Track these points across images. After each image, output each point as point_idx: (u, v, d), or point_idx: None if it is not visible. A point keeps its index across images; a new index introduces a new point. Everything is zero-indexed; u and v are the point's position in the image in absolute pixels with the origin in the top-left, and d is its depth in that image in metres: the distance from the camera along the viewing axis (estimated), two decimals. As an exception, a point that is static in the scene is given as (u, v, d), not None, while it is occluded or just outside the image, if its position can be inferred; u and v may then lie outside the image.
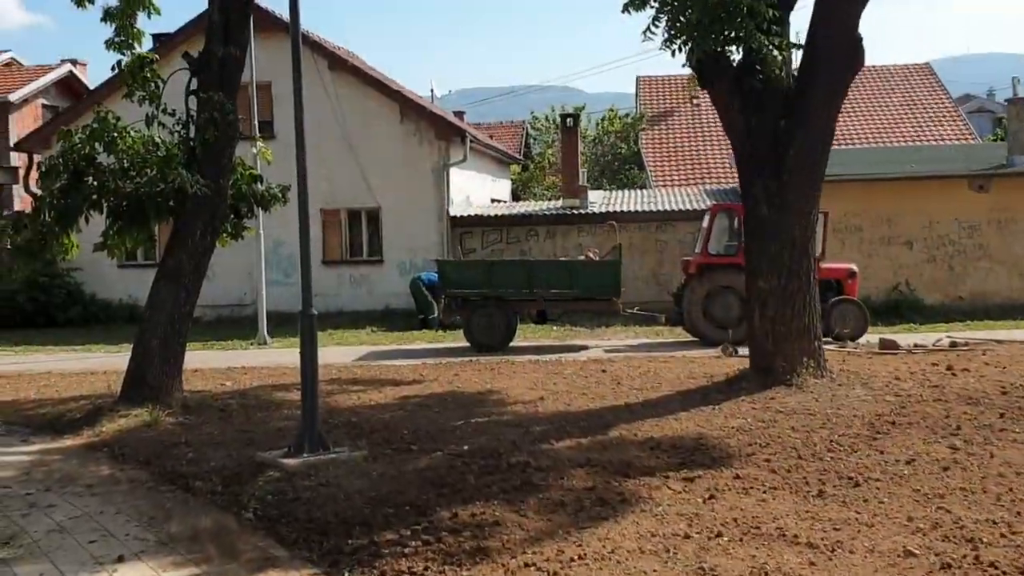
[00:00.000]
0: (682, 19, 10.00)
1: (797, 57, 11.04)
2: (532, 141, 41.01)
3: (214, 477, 7.75)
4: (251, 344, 19.06)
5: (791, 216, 10.55)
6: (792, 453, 7.69)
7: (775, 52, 10.28)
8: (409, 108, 23.93)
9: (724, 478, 6.99)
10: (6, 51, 30.23)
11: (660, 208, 23.76)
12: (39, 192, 11.24)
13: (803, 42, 10.86)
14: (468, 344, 17.15)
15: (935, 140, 32.11)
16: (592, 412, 9.92)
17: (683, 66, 10.74)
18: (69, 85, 28.39)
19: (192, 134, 11.06)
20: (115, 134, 10.71)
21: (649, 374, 12.62)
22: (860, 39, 10.71)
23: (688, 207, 23.66)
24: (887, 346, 14.86)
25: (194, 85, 11.17)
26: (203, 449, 8.78)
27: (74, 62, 29.23)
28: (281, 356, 16.62)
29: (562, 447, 8.26)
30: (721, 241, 17.51)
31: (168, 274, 11.05)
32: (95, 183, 10.70)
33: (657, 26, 10.42)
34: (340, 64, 23.78)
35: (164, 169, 10.55)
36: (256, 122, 19.42)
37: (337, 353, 16.20)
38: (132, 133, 10.91)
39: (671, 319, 17.79)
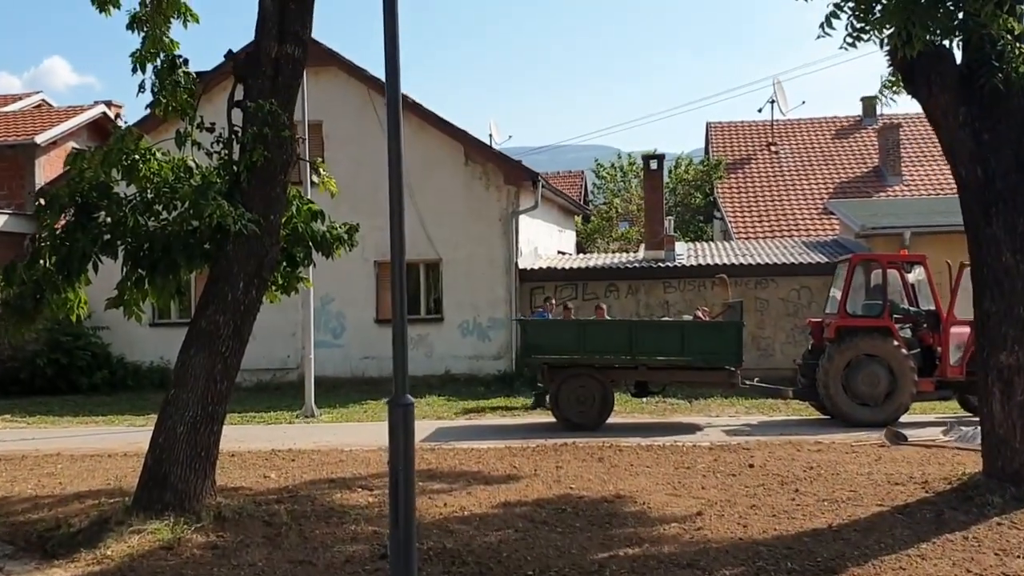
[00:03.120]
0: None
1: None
2: (596, 191, 38.40)
3: (260, 658, 5.04)
4: (296, 417, 16.37)
5: (1046, 265, 7.75)
6: None
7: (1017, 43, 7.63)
8: (474, 149, 21.35)
9: None
10: (37, 92, 28.26)
11: (758, 262, 20.89)
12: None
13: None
14: (554, 420, 14.37)
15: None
16: (786, 540, 7.05)
17: (888, 67, 8.11)
18: (102, 128, 26.21)
19: (236, 156, 8.51)
20: (135, 156, 8.16)
21: (820, 472, 9.67)
22: None
23: (788, 260, 20.81)
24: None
25: (239, 95, 8.66)
26: (243, 597, 6.09)
27: (108, 103, 27.13)
28: (333, 433, 14.00)
29: (786, 612, 5.44)
30: (858, 300, 14.63)
31: (200, 339, 8.39)
32: (108, 220, 8.17)
33: (840, 15, 7.86)
34: (398, 101, 21.34)
35: (199, 201, 7.90)
36: (308, 163, 16.93)
37: (401, 431, 13.47)
38: (158, 155, 8.38)
39: (798, 392, 14.85)
